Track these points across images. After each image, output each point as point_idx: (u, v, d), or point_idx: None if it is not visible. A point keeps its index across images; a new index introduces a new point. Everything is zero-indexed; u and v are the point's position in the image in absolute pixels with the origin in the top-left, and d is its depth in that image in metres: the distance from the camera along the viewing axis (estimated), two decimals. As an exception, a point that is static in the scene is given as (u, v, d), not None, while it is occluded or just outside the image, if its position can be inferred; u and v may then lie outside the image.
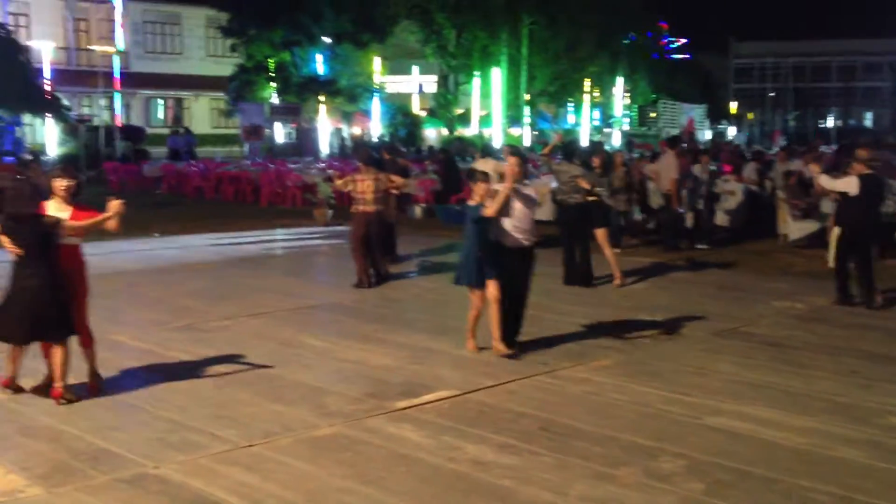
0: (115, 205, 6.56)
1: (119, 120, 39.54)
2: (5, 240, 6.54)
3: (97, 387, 6.89)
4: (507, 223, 8.11)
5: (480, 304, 8.23)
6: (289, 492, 5.16)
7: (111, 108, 41.42)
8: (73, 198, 6.75)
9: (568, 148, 12.72)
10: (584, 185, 11.29)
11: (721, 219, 16.46)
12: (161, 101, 50.51)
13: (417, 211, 19.99)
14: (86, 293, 6.86)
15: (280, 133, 38.73)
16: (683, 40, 71.66)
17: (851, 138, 40.38)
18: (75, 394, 6.66)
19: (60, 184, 6.70)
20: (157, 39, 49.64)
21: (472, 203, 8.20)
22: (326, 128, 40.79)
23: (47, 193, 6.70)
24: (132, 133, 37.34)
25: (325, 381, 7.40)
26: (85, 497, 5.06)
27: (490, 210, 8.00)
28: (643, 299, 10.91)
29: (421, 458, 5.70)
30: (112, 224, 6.69)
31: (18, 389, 6.78)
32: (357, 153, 12.67)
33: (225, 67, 43.15)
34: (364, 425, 6.32)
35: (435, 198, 20.51)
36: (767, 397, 7.01)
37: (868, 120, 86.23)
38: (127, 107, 46.72)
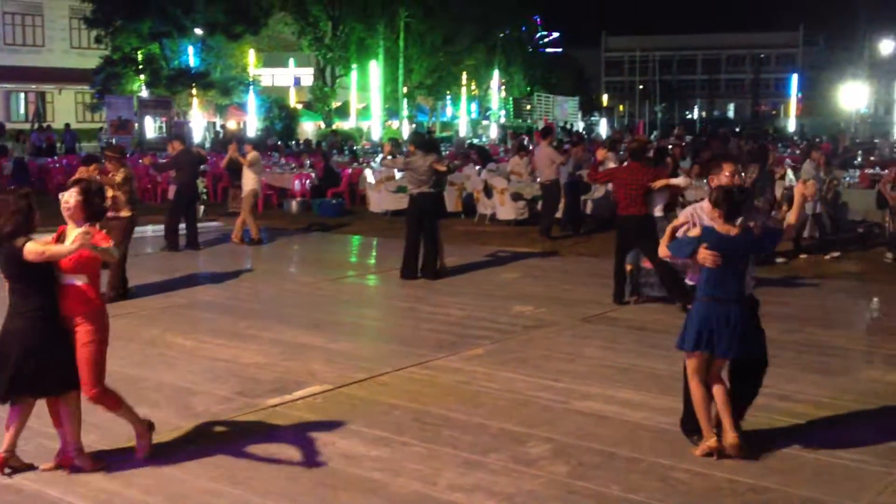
0: None
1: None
2: None
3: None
4: None
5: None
6: (152, 497, 5.01)
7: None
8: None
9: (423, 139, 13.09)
10: (441, 167, 11.65)
11: (589, 207, 16.87)
12: (22, 95, 48.26)
13: (293, 205, 19.75)
14: None
15: (150, 127, 37.59)
16: (556, 34, 73.18)
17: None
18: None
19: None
20: (17, 31, 47.36)
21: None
22: (199, 122, 39.80)
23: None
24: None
25: (192, 380, 7.22)
26: (-71, 513, 4.79)
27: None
28: (516, 289, 11.08)
29: (290, 456, 5.63)
30: None
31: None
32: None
33: (90, 60, 41.51)
34: (232, 424, 6.20)
35: (312, 192, 20.32)
36: (632, 380, 7.23)
37: (731, 111, 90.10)
38: (-15, 101, 44.49)
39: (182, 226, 14.24)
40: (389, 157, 13.24)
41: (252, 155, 14.63)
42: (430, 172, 11.57)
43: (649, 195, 9.69)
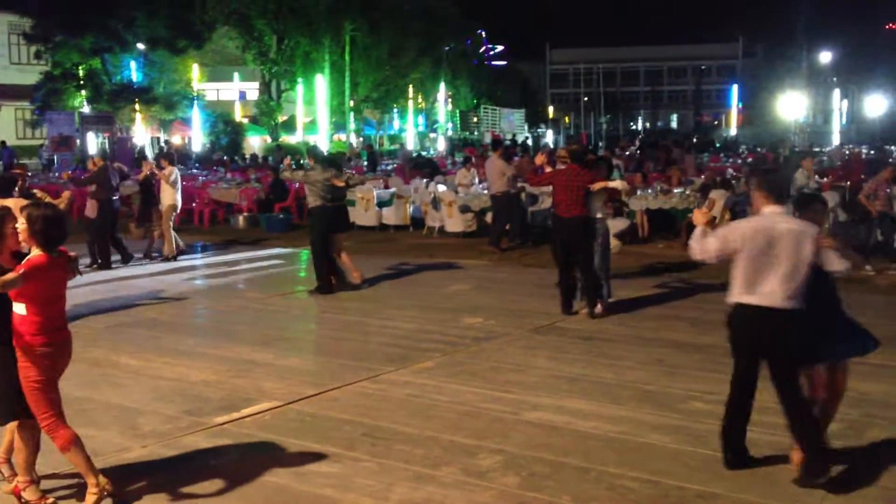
0: None
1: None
2: None
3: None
4: None
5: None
6: (97, 519, 4.92)
7: None
8: None
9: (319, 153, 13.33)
10: (339, 182, 11.60)
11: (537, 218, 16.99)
12: (-42, 112, 47.18)
13: (240, 220, 19.58)
14: None
15: (93, 143, 37.00)
16: (501, 47, 73.65)
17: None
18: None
19: None
20: (-48, 46, 46.34)
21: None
22: (143, 137, 39.27)
23: None
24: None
25: (138, 400, 7.11)
26: None
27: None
28: (465, 301, 11.11)
29: (240, 474, 5.56)
30: None
31: None
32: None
33: (30, 75, 40.74)
34: (180, 444, 6.11)
35: (259, 207, 20.17)
36: (582, 390, 7.29)
37: (674, 121, 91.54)
38: (-81, 118, 43.40)
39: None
40: (290, 170, 13.37)
41: (169, 170, 14.69)
42: (329, 187, 11.58)
43: (589, 197, 9.83)
